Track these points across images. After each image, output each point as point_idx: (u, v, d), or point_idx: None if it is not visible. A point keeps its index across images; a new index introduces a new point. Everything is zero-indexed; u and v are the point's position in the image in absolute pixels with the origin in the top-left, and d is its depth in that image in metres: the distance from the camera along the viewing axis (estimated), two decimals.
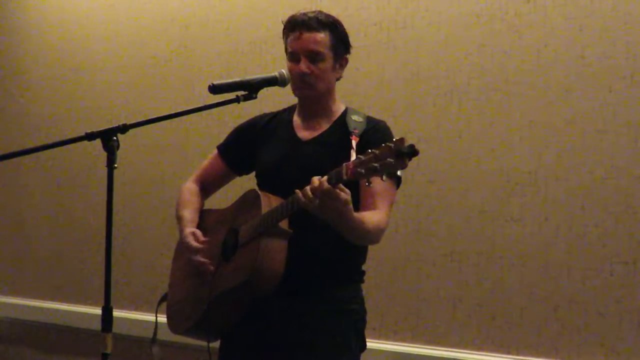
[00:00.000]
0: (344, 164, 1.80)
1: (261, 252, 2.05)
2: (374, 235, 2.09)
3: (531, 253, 2.76)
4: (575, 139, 2.70)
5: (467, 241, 2.88)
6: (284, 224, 2.08)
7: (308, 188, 1.86)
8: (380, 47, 3.12)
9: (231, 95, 2.14)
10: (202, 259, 2.22)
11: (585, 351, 2.64)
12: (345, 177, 1.80)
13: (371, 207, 2.10)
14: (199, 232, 2.28)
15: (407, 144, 1.68)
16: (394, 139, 1.70)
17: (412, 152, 1.68)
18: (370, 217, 2.05)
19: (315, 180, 1.85)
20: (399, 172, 1.74)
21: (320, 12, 2.22)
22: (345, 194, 1.86)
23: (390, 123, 2.28)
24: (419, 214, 2.99)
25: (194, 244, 2.24)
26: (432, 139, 2.97)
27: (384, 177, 1.73)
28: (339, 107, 2.29)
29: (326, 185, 1.82)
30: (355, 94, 3.09)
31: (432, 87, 2.99)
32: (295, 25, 2.20)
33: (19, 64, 4.44)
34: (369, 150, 1.74)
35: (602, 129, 2.65)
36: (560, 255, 2.71)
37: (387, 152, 1.69)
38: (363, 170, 1.74)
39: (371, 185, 1.78)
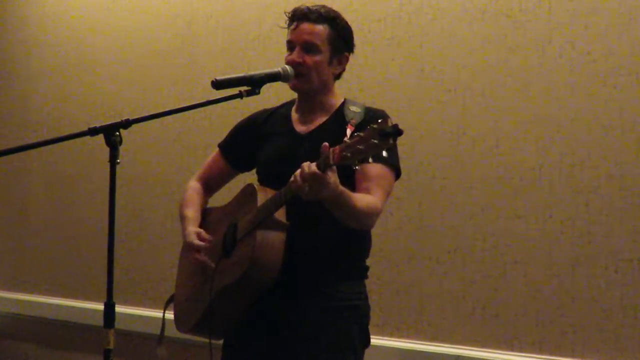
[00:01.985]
0: (331, 149, 1.81)
1: (257, 245, 2.06)
2: (366, 216, 2.07)
3: (535, 250, 2.75)
4: (579, 135, 2.69)
5: (471, 238, 2.88)
6: (280, 216, 2.07)
7: (298, 174, 1.86)
8: (384, 43, 3.11)
9: (234, 91, 2.14)
10: (203, 257, 2.23)
11: (589, 348, 2.64)
12: (332, 162, 1.80)
13: (365, 191, 2.09)
14: (203, 232, 2.28)
15: (390, 124, 1.70)
16: (379, 120, 1.72)
17: (396, 131, 1.70)
18: (362, 197, 2.05)
19: (305, 166, 1.85)
20: (384, 153, 1.76)
21: (323, 6, 2.23)
22: (335, 177, 1.86)
23: (394, 119, 2.26)
24: (423, 210, 2.98)
25: (197, 242, 2.25)
26: (436, 135, 2.96)
27: (371, 160, 1.76)
28: (337, 100, 2.28)
29: (314, 169, 1.82)
30: (359, 90, 3.08)
31: (436, 83, 2.98)
32: (294, 17, 2.22)
33: (21, 59, 4.44)
34: (355, 134, 1.76)
35: (606, 126, 2.64)
36: (564, 252, 2.70)
37: (372, 133, 1.71)
38: (349, 154, 1.75)
39: (365, 169, 1.78)
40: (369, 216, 2.09)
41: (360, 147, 1.73)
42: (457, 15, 2.95)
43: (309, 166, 1.84)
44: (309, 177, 1.83)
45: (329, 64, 2.22)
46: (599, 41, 2.67)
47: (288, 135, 2.27)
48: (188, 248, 2.29)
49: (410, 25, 3.05)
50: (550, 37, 2.75)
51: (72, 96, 4.18)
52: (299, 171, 1.86)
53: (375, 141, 1.70)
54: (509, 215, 2.80)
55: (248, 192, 2.22)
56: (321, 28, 2.19)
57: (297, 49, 2.19)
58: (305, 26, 2.19)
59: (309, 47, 2.18)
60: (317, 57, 2.18)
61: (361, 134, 1.74)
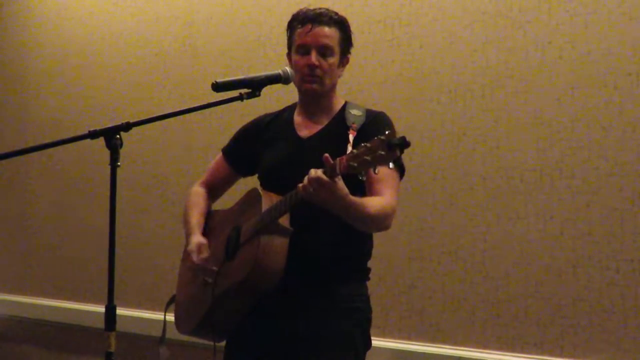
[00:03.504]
0: (337, 159, 1.83)
1: (261, 250, 2.06)
2: (380, 219, 2.08)
3: (536, 251, 2.75)
4: (580, 136, 2.69)
5: (472, 239, 2.88)
6: (284, 222, 2.08)
7: (306, 179, 1.88)
8: (384, 44, 3.11)
9: (235, 93, 2.14)
10: (205, 269, 2.23)
11: (590, 349, 2.64)
12: (338, 172, 1.82)
13: (375, 194, 2.10)
14: (205, 245, 2.28)
15: (398, 136, 1.72)
16: (386, 132, 1.73)
17: (403, 143, 1.71)
18: (372, 201, 2.05)
19: (312, 171, 1.87)
20: (390, 165, 1.77)
21: (327, 9, 2.23)
22: (343, 186, 1.88)
23: (394, 120, 2.26)
24: (423, 211, 2.99)
25: (197, 259, 2.25)
26: (436, 136, 2.96)
27: (377, 170, 1.76)
28: (338, 103, 2.29)
29: (323, 177, 1.84)
30: (359, 91, 3.08)
31: (436, 85, 2.98)
32: (305, 19, 2.21)
33: (22, 62, 4.44)
34: (362, 144, 1.77)
35: (607, 126, 2.64)
36: (565, 252, 2.70)
37: (379, 144, 1.73)
38: (356, 164, 1.77)
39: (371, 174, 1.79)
40: (384, 219, 2.10)
41: (367, 157, 1.74)
42: (457, 17, 2.95)
43: (315, 171, 1.86)
44: (314, 181, 1.85)
45: (339, 67, 2.24)
46: (599, 41, 2.67)
47: (290, 140, 2.28)
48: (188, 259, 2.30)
49: (410, 27, 3.05)
50: (550, 37, 2.76)
51: (73, 99, 4.18)
52: (307, 177, 1.87)
53: (382, 153, 1.72)
54: (510, 216, 2.80)
55: (252, 197, 2.22)
56: (333, 31, 2.20)
57: (313, 52, 2.18)
58: (321, 30, 2.18)
59: (325, 50, 2.18)
60: (332, 60, 2.20)
61: (368, 144, 1.75)
